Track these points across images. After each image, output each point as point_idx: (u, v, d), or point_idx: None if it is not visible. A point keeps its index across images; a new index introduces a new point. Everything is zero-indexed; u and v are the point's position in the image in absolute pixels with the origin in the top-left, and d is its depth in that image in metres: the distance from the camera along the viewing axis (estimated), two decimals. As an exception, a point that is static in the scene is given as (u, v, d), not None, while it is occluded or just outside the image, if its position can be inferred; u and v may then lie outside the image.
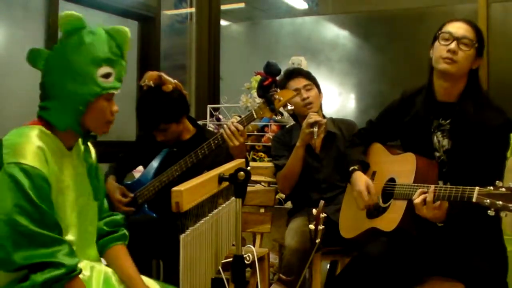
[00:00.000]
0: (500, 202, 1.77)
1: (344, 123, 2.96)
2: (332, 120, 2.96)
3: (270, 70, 2.77)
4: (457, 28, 2.10)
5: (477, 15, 3.81)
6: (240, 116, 2.83)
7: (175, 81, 2.66)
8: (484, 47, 2.14)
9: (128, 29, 1.69)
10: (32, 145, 1.56)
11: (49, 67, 1.63)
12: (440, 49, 2.11)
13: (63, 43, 1.63)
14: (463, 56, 2.08)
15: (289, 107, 2.61)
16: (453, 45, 2.07)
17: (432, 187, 1.97)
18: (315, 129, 2.66)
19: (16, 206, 1.48)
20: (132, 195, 2.70)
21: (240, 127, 2.50)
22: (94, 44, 1.61)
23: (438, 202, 1.95)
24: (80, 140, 1.75)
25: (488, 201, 1.80)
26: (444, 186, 1.97)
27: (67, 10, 1.63)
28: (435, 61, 2.13)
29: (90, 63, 1.61)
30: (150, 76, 2.62)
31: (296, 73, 2.95)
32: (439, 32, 2.13)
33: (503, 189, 1.78)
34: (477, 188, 1.84)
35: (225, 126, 2.51)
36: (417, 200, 1.98)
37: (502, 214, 1.79)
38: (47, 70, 1.64)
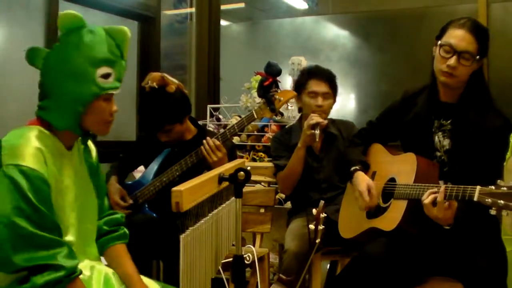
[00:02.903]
0: (502, 201, 1.77)
1: (343, 124, 2.95)
2: (332, 121, 2.95)
3: (271, 70, 2.77)
4: (459, 39, 2.04)
5: (477, 15, 3.81)
6: (240, 116, 2.84)
7: (177, 81, 2.66)
8: (487, 47, 2.10)
9: (128, 29, 1.68)
10: (31, 146, 1.55)
11: (48, 66, 1.62)
12: (440, 62, 2.08)
13: (62, 42, 1.62)
14: (462, 70, 2.06)
15: (290, 106, 2.61)
16: (452, 61, 2.04)
17: (443, 186, 1.94)
18: (317, 131, 2.64)
19: (15, 208, 1.47)
20: (131, 201, 2.70)
21: (217, 142, 2.51)
22: (93, 44, 1.60)
23: (448, 202, 1.93)
24: (79, 139, 1.74)
25: (489, 200, 1.79)
26: (445, 185, 1.96)
27: (67, 10, 1.63)
28: (436, 71, 2.13)
29: (89, 63, 1.59)
30: (153, 78, 2.61)
31: (322, 75, 2.83)
32: (441, 43, 2.07)
33: (505, 188, 1.78)
34: (478, 187, 1.83)
35: (204, 142, 2.52)
36: (427, 200, 1.95)
37: (504, 213, 1.78)
38: (46, 69, 1.63)
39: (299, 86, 2.87)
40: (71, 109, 1.61)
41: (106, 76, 1.61)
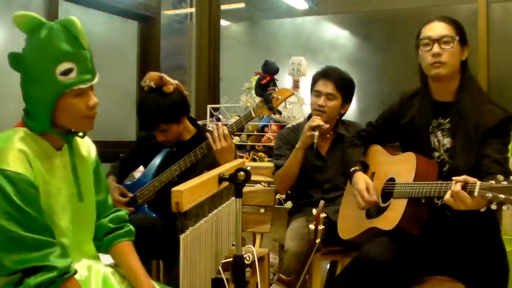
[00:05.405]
0: (502, 196, 1.76)
1: (351, 125, 2.94)
2: (342, 122, 2.94)
3: (268, 68, 2.76)
4: (433, 29, 2.12)
5: (477, 15, 3.81)
6: (239, 116, 2.83)
7: (176, 82, 2.66)
8: (466, 35, 2.15)
9: (76, 18, 1.58)
10: (14, 149, 1.53)
11: (20, 70, 1.60)
12: (425, 56, 2.13)
13: (26, 44, 1.59)
14: (448, 55, 2.09)
15: (288, 105, 2.61)
16: (435, 49, 2.09)
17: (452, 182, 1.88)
18: (316, 133, 2.64)
19: (3, 213, 1.47)
20: (131, 194, 2.70)
21: (226, 131, 2.51)
22: (49, 41, 1.55)
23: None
24: (77, 137, 1.71)
25: (490, 195, 1.78)
26: (445, 182, 1.96)
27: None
28: (425, 68, 2.16)
29: (46, 62, 1.54)
30: (152, 77, 2.62)
31: (330, 76, 2.81)
32: (418, 39, 2.14)
33: (505, 183, 1.77)
34: (478, 182, 1.83)
35: (213, 126, 2.51)
36: (456, 187, 1.84)
37: (504, 207, 1.78)
38: (21, 73, 1.61)
39: (311, 85, 2.88)
40: (42, 111, 1.58)
41: (66, 72, 1.54)
